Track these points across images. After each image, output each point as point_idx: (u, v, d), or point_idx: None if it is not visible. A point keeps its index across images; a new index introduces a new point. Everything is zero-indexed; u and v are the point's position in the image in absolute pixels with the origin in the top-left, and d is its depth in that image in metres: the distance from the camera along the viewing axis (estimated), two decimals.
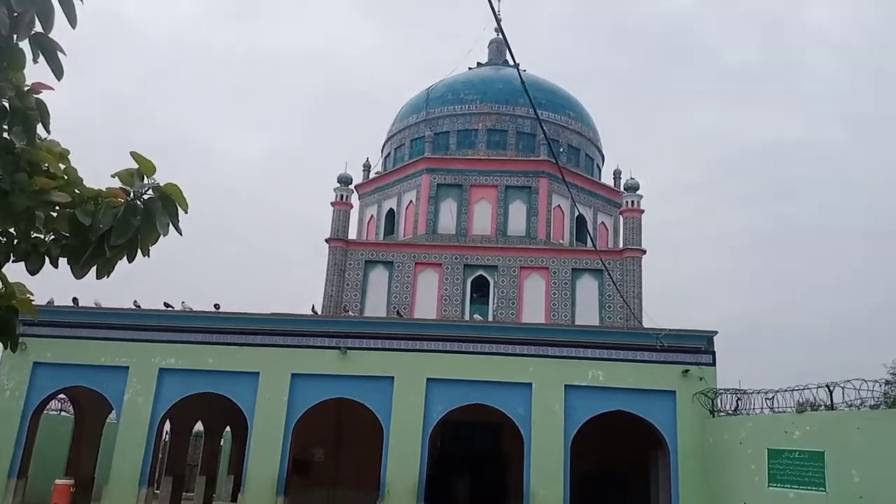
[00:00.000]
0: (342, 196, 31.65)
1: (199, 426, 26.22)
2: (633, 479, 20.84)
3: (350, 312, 27.92)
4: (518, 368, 18.49)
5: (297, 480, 20.20)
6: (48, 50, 2.92)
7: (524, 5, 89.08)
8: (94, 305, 22.32)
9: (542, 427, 17.93)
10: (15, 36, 2.81)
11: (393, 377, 18.60)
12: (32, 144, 3.01)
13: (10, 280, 3.20)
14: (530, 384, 18.30)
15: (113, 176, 3.01)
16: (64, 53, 2.95)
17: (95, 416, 22.52)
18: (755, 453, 15.02)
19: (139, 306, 22.83)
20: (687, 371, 17.96)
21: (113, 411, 20.41)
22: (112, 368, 19.20)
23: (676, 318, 71.61)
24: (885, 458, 12.61)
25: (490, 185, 31.60)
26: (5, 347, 3.32)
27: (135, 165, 3.00)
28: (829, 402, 14.45)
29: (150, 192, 3.01)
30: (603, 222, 33.60)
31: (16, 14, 2.76)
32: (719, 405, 17.20)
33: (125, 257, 3.08)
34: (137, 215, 2.97)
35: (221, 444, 28.17)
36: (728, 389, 17.27)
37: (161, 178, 3.03)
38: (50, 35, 2.89)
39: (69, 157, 3.16)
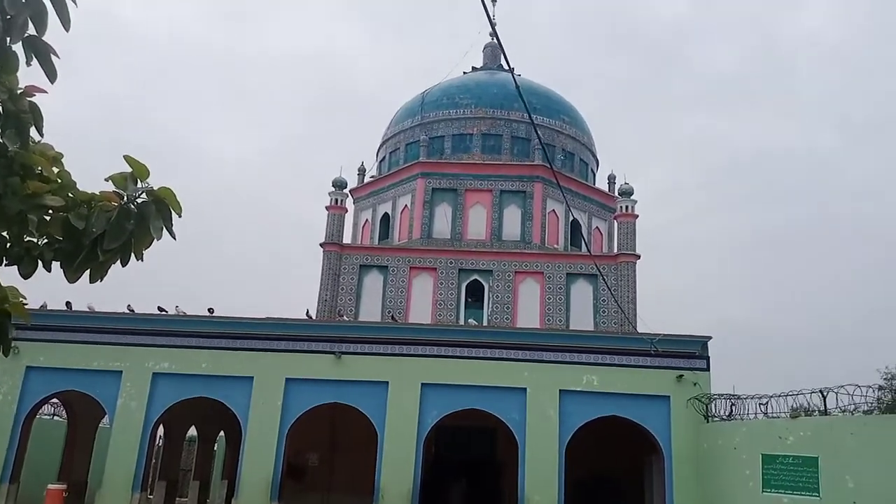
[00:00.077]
0: (337, 200, 31.65)
1: (192, 431, 26.11)
2: (628, 485, 20.82)
3: (344, 317, 27.89)
4: (513, 373, 18.47)
5: (291, 485, 20.11)
6: (41, 53, 2.91)
7: (519, 10, 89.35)
8: (88, 309, 22.29)
9: (537, 432, 17.91)
10: (8, 39, 2.80)
11: (387, 382, 18.56)
12: (25, 148, 2.99)
13: (3, 284, 3.19)
14: (525, 389, 18.28)
15: (106, 179, 3.00)
16: (57, 56, 2.94)
17: (88, 421, 22.41)
18: (749, 459, 15.03)
19: (133, 310, 22.81)
20: (681, 376, 17.97)
21: (106, 416, 20.31)
22: (105, 373, 19.11)
23: (671, 323, 71.78)
24: (879, 464, 12.63)
25: (485, 190, 31.64)
26: None
27: (128, 169, 2.99)
28: (822, 408, 14.46)
29: (144, 195, 3.00)
30: (597, 227, 33.67)
31: (9, 17, 2.75)
32: (713, 410, 17.20)
33: (119, 261, 3.07)
34: (131, 219, 2.96)
35: (215, 448, 28.06)
36: (722, 394, 17.29)
37: (156, 180, 3.02)
38: (43, 38, 2.88)
39: (62, 160, 3.15)
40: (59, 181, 3.07)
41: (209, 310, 22.96)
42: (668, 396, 17.92)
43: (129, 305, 23.05)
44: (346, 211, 32.32)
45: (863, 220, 79.71)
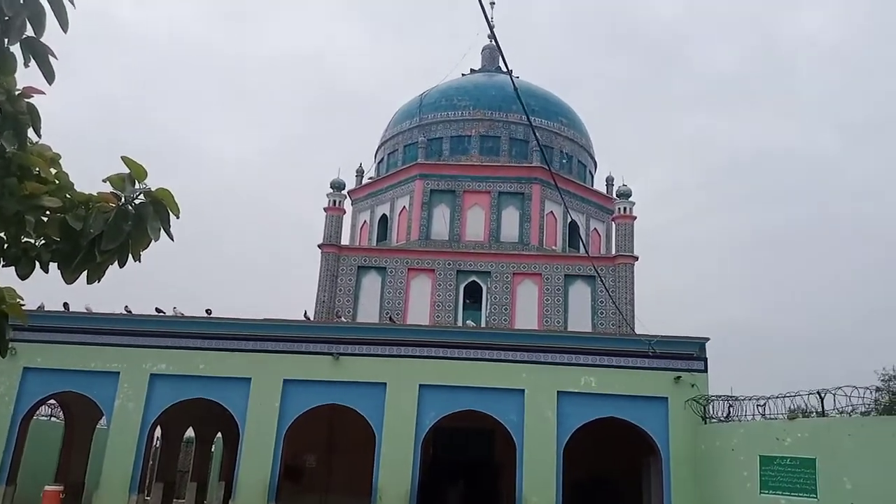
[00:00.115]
0: (335, 201, 31.66)
1: (190, 432, 26.10)
2: (626, 486, 20.83)
3: (342, 318, 27.89)
4: (511, 375, 18.48)
5: (288, 487, 20.10)
6: (39, 54, 2.91)
7: (518, 12, 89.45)
8: (85, 310, 22.25)
9: (535, 433, 17.91)
10: (6, 40, 2.80)
11: (385, 383, 18.57)
12: (23, 149, 2.99)
13: (1, 285, 3.19)
14: (523, 390, 18.29)
15: (104, 180, 3.00)
16: (55, 57, 2.94)
17: (86, 422, 22.39)
18: (747, 460, 15.04)
19: (130, 311, 22.78)
20: (679, 377, 17.98)
21: (103, 417, 20.29)
22: (103, 374, 19.09)
23: (670, 324, 71.83)
24: (877, 465, 12.65)
25: (483, 192, 31.66)
26: None
27: (126, 170, 2.99)
28: (820, 409, 14.49)
29: (142, 196, 3.00)
30: (595, 229, 33.69)
31: (6, 18, 2.75)
32: (711, 412, 17.22)
33: (116, 262, 3.07)
34: (128, 220, 2.96)
35: (212, 450, 28.05)
36: (720, 396, 17.30)
37: (156, 180, 3.03)
38: (41, 39, 2.88)
39: (60, 161, 3.15)
40: (57, 182, 3.07)
41: (207, 311, 22.93)
42: (666, 398, 17.94)
43: (126, 306, 23.01)
44: (345, 212, 32.33)
45: (862, 221, 79.92)
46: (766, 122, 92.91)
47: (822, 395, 14.34)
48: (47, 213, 3.00)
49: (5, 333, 3.21)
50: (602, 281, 27.56)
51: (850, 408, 13.87)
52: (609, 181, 35.05)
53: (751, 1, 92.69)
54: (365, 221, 34.63)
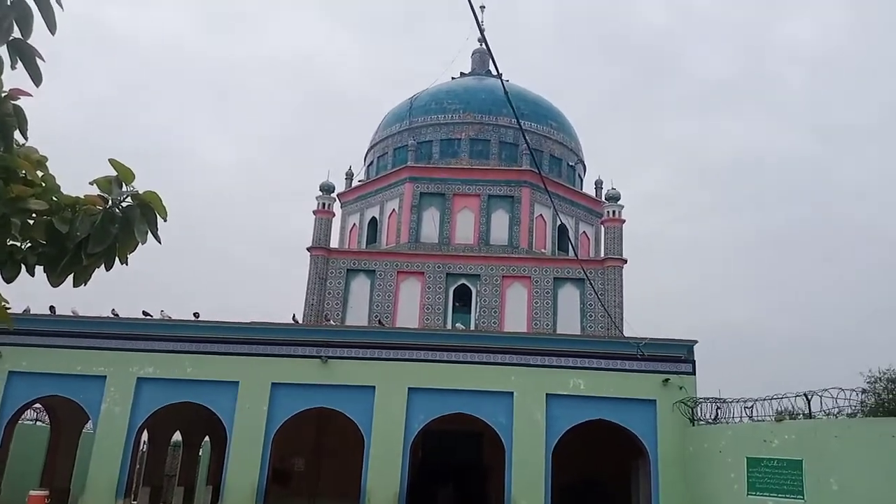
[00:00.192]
0: (324, 204, 31.59)
1: (177, 436, 25.96)
2: (614, 489, 20.88)
3: (331, 321, 27.83)
4: (500, 377, 18.50)
5: (276, 490, 20.02)
6: (26, 56, 2.89)
7: (507, 17, 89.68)
8: (71, 314, 22.08)
9: (524, 436, 17.93)
10: None
11: (374, 387, 18.54)
12: (10, 151, 2.97)
13: None
14: (512, 393, 18.31)
15: (91, 183, 2.98)
16: (42, 60, 2.93)
17: (72, 426, 22.22)
18: (734, 462, 15.12)
19: (117, 315, 22.63)
20: (667, 380, 18.06)
21: (90, 421, 20.15)
22: (89, 377, 18.96)
23: (664, 327, 72.21)
24: (863, 467, 12.74)
25: (473, 195, 31.70)
26: None
27: (113, 172, 2.97)
28: (807, 411, 14.59)
29: (129, 199, 2.98)
30: (584, 232, 33.79)
31: None
32: (699, 414, 17.31)
33: (103, 265, 3.05)
34: (115, 223, 2.94)
35: (200, 454, 27.90)
36: (708, 398, 17.39)
37: (142, 183, 3.01)
38: (28, 41, 2.87)
39: (47, 163, 3.13)
40: (44, 185, 3.05)
41: (194, 314, 22.82)
42: (655, 400, 18.01)
43: (113, 310, 22.86)
44: (334, 215, 32.27)
45: (862, 223, 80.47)
46: (757, 126, 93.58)
47: (809, 397, 14.45)
48: (33, 215, 2.97)
49: None
50: (591, 284, 27.64)
51: (837, 410, 13.98)
52: (598, 185, 35.17)
53: (742, 7, 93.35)
54: (354, 224, 34.59)
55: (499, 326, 28.34)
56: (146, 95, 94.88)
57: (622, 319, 27.97)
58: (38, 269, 3.08)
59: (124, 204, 2.98)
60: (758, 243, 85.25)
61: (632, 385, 18.26)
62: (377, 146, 35.74)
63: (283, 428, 18.62)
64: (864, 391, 16.63)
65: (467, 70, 38.81)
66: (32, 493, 18.32)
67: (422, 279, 29.59)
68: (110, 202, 2.97)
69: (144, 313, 23.05)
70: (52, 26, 2.86)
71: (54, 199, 3.02)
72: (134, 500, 21.73)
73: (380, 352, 19.21)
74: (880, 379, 20.39)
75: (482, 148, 33.15)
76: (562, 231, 31.77)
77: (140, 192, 3.00)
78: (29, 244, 3.05)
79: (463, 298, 29.57)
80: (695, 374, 18.38)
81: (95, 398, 18.82)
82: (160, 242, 3.07)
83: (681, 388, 17.88)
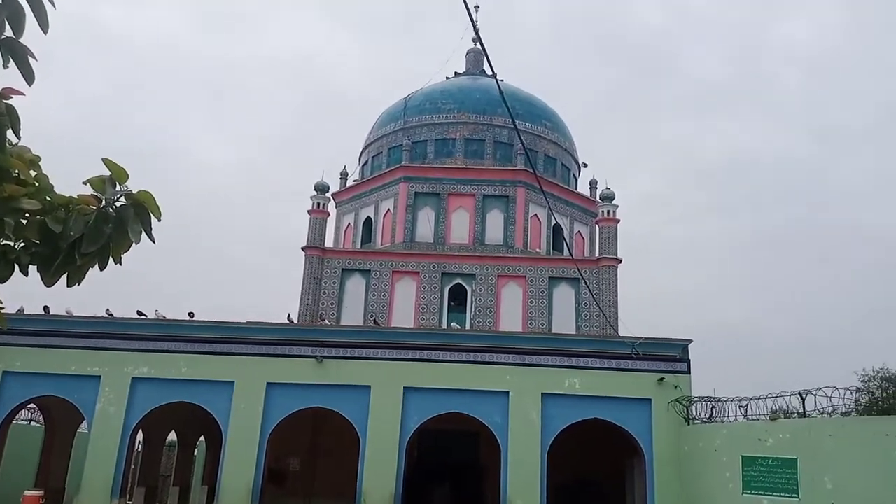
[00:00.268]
0: (319, 204, 31.56)
1: (172, 436, 25.90)
2: (610, 488, 20.92)
3: (326, 321, 27.79)
4: (495, 377, 18.51)
5: (272, 490, 20.01)
6: (19, 55, 2.88)
7: (502, 16, 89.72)
8: (66, 314, 22.01)
9: (519, 435, 17.95)
10: None
11: (369, 386, 18.53)
12: (2, 150, 2.96)
13: None
14: (507, 393, 18.32)
15: (84, 183, 2.97)
16: (35, 58, 2.92)
17: (66, 426, 22.16)
18: (729, 461, 15.16)
19: (111, 315, 22.56)
20: (662, 379, 18.10)
21: (84, 421, 20.09)
22: (84, 378, 18.91)
23: (660, 327, 72.31)
24: (857, 465, 12.79)
25: (467, 194, 31.71)
26: None
27: (107, 172, 2.96)
28: (801, 410, 14.63)
29: (123, 199, 2.97)
30: (579, 231, 33.83)
31: None
32: (694, 413, 17.34)
33: (96, 265, 3.04)
34: (109, 223, 2.93)
35: (195, 454, 27.85)
36: (703, 397, 17.43)
37: (137, 182, 3.00)
38: (20, 40, 2.85)
39: (40, 163, 3.12)
40: (37, 184, 3.03)
41: (189, 314, 22.77)
42: (650, 399, 18.04)
43: (107, 310, 22.80)
44: (328, 215, 32.24)
45: (857, 224, 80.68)
46: (753, 126, 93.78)
47: (804, 396, 14.49)
48: (27, 215, 2.96)
49: None
50: (586, 283, 27.68)
51: (831, 408, 14.03)
52: (593, 184, 35.21)
53: (737, 7, 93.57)
54: (349, 224, 34.57)
55: (494, 326, 28.36)
56: (141, 95, 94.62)
57: (617, 319, 28.02)
58: (32, 269, 3.07)
59: (118, 203, 2.97)
60: (754, 243, 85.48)
61: (627, 384, 18.29)
62: (372, 146, 35.73)
63: (278, 428, 18.61)
64: (858, 390, 16.69)
65: (462, 70, 38.81)
66: (27, 493, 18.28)
67: (417, 279, 29.59)
68: (104, 202, 2.96)
69: (139, 313, 22.99)
70: (44, 25, 2.84)
71: (48, 198, 3.01)
72: (129, 501, 21.68)
73: (375, 351, 19.20)
74: (874, 378, 20.47)
75: (477, 147, 33.17)
76: (556, 231, 31.81)
77: (134, 191, 2.99)
78: (22, 244, 3.03)
79: (458, 298, 29.59)
80: (690, 374, 18.43)
81: (90, 398, 18.77)
82: (154, 242, 3.06)
83: (676, 387, 17.92)
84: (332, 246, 32.38)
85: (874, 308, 72.62)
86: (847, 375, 28.43)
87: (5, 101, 2.94)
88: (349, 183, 35.70)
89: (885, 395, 19.91)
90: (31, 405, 21.23)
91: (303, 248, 30.36)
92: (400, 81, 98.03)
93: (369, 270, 29.94)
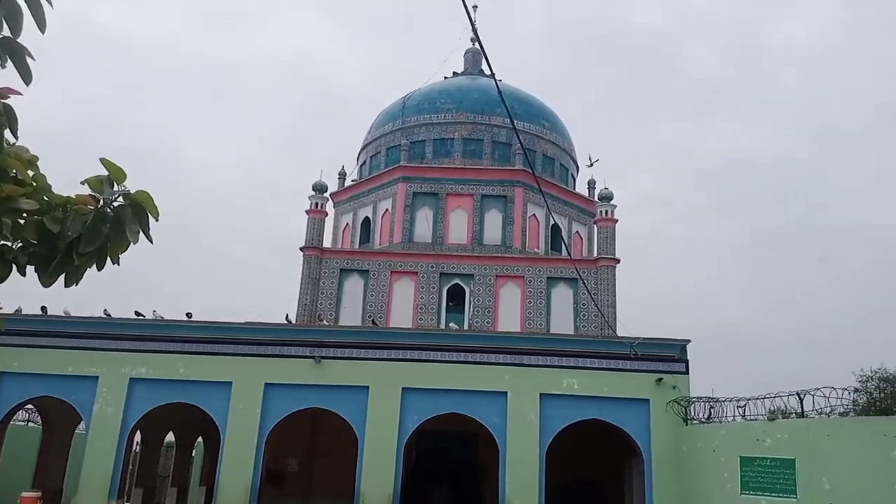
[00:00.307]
0: (317, 204, 31.53)
1: (170, 437, 25.86)
2: (608, 488, 20.91)
3: (324, 321, 27.77)
4: (494, 377, 18.50)
5: (270, 491, 19.98)
6: (16, 54, 2.87)
7: (501, 16, 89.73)
8: (63, 314, 21.99)
9: (518, 436, 17.93)
10: None
11: (368, 387, 18.50)
12: (0, 151, 2.95)
13: None
14: (506, 393, 18.31)
15: (82, 183, 2.96)
16: (32, 58, 2.90)
17: (64, 427, 22.11)
18: (728, 461, 15.16)
19: (109, 315, 22.55)
20: (660, 379, 18.09)
21: (82, 422, 20.05)
22: (81, 378, 18.86)
23: (652, 327, 72.40)
24: (855, 465, 12.79)
25: (466, 194, 31.71)
26: None
27: (105, 172, 2.96)
28: (799, 410, 14.63)
29: (121, 199, 2.97)
30: (577, 231, 33.84)
31: None
32: (692, 413, 17.34)
33: (94, 265, 3.03)
34: (107, 223, 2.92)
35: (193, 454, 27.81)
36: (701, 398, 17.43)
37: (136, 182, 3.00)
38: (18, 39, 2.84)
39: (38, 163, 3.10)
40: (35, 184, 3.02)
41: (187, 314, 22.77)
42: (648, 400, 18.04)
43: (105, 310, 22.79)
44: (327, 215, 32.21)
45: (857, 224, 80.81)
46: (753, 126, 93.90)
47: (802, 396, 14.49)
48: (24, 215, 2.95)
49: None
50: (584, 283, 27.68)
51: (829, 409, 14.03)
52: (591, 184, 35.22)
53: (737, 7, 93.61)
54: (347, 224, 34.55)
55: (492, 326, 28.35)
56: (141, 94, 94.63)
57: (615, 319, 28.02)
58: (30, 269, 3.06)
59: (116, 203, 2.97)
60: (754, 243, 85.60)
61: (625, 384, 18.29)
62: (370, 146, 35.72)
63: (276, 428, 18.58)
64: (856, 390, 16.69)
65: (460, 70, 38.81)
66: (25, 494, 18.22)
67: (415, 279, 29.57)
68: (102, 202, 2.95)
69: (137, 313, 22.99)
70: (41, 24, 2.83)
71: (45, 198, 3.00)
72: (127, 502, 21.63)
73: (373, 352, 19.18)
74: (872, 378, 20.52)
75: (475, 147, 33.17)
76: (555, 231, 31.83)
77: (132, 191, 2.98)
78: (20, 244, 3.02)
79: (456, 298, 29.58)
80: (688, 374, 18.43)
81: (88, 399, 18.73)
82: (152, 242, 3.05)
83: (674, 387, 17.92)
84: (330, 246, 32.36)
85: (874, 308, 72.76)
86: (846, 376, 28.49)
87: (3, 100, 2.93)
88: (347, 183, 35.69)
89: (882, 395, 19.95)
90: (29, 406, 21.19)
91: (301, 249, 30.33)
92: (399, 81, 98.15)
93: (367, 270, 29.92)
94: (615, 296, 28.96)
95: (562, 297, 29.43)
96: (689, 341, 21.41)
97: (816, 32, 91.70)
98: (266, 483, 18.98)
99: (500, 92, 11.31)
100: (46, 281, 3.02)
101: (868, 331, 68.95)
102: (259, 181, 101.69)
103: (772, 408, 15.31)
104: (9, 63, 2.89)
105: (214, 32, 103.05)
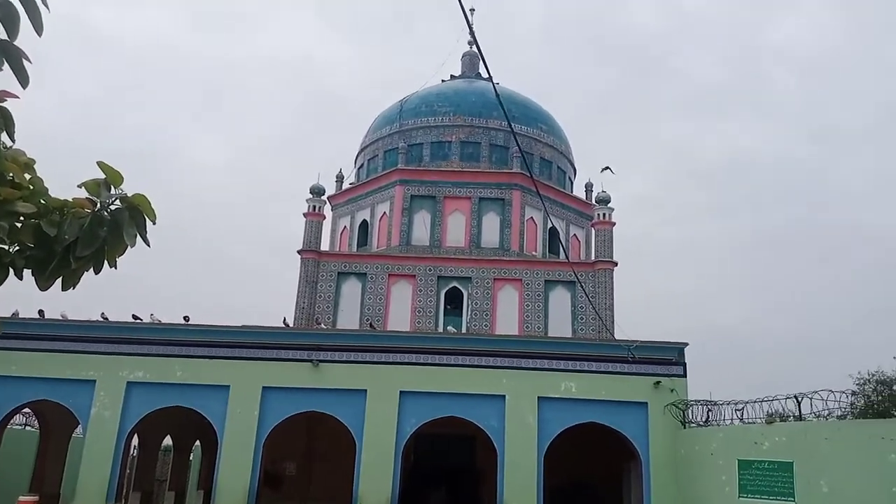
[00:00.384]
0: (315, 207, 31.53)
1: (167, 440, 25.80)
2: (606, 492, 20.90)
3: (322, 325, 27.75)
4: (491, 381, 18.48)
5: (268, 495, 19.93)
6: (13, 57, 2.87)
7: (497, 19, 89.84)
8: (61, 318, 21.96)
9: (516, 439, 17.92)
10: None
11: (365, 390, 18.48)
12: None
13: None
14: (503, 396, 18.29)
15: (79, 186, 2.96)
16: (29, 61, 2.90)
17: (61, 431, 22.05)
18: (726, 464, 15.15)
19: (106, 318, 22.51)
20: (658, 382, 18.09)
21: (79, 425, 20.00)
22: (79, 382, 18.81)
23: (649, 330, 72.41)
24: (853, 468, 12.78)
25: (463, 197, 31.71)
26: None
27: (102, 175, 2.95)
28: (797, 413, 14.63)
29: (118, 202, 2.96)
30: (575, 234, 33.86)
31: None
32: (690, 416, 17.34)
33: (91, 269, 3.03)
34: (104, 226, 2.92)
35: (191, 458, 27.76)
36: (699, 401, 17.42)
37: (133, 184, 2.99)
38: (15, 42, 2.84)
39: (35, 166, 3.10)
40: (31, 187, 3.02)
41: (185, 318, 22.75)
42: (646, 403, 18.03)
43: (102, 313, 22.76)
44: (324, 218, 32.21)
45: (857, 224, 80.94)
46: (752, 127, 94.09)
47: (800, 399, 14.48)
48: (21, 218, 2.95)
49: None
50: (582, 286, 27.69)
51: (827, 412, 14.03)
52: (588, 187, 35.25)
53: (733, 9, 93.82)
54: (345, 227, 34.55)
55: (490, 329, 28.34)
56: (137, 96, 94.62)
57: (613, 322, 28.03)
58: (27, 273, 3.06)
59: (113, 207, 2.96)
60: (753, 244, 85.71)
61: (623, 388, 18.28)
62: (367, 149, 35.73)
63: (274, 432, 18.54)
64: (853, 393, 16.74)
65: (457, 72, 38.84)
66: (22, 498, 18.15)
67: (413, 282, 29.56)
68: (99, 205, 2.95)
69: (134, 317, 22.96)
70: (38, 27, 2.83)
71: (42, 202, 3.00)
72: None
73: (371, 355, 19.15)
74: (869, 381, 20.50)
75: (472, 150, 33.20)
76: (552, 234, 31.85)
77: (129, 194, 2.98)
78: (17, 247, 3.02)
79: (454, 301, 29.57)
80: (686, 377, 18.43)
81: (85, 402, 18.68)
82: (149, 245, 3.05)
83: (672, 390, 17.91)
84: (327, 249, 32.35)
85: (874, 308, 72.87)
86: (845, 378, 28.49)
87: (0, 104, 2.93)
88: (345, 186, 35.69)
89: (880, 397, 19.94)
90: (26, 410, 21.13)
91: (298, 252, 30.31)
92: (399, 82, 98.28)
93: (365, 274, 29.91)
94: (613, 299, 28.97)
95: (559, 300, 29.43)
96: (686, 344, 21.41)
97: (816, 32, 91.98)
98: (264, 486, 18.94)
99: (497, 95, 11.33)
100: (43, 284, 3.01)
101: (868, 331, 69.06)
102: (258, 181, 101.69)
103: (770, 411, 15.28)
104: (5, 66, 2.89)
105: (214, 33, 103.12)
